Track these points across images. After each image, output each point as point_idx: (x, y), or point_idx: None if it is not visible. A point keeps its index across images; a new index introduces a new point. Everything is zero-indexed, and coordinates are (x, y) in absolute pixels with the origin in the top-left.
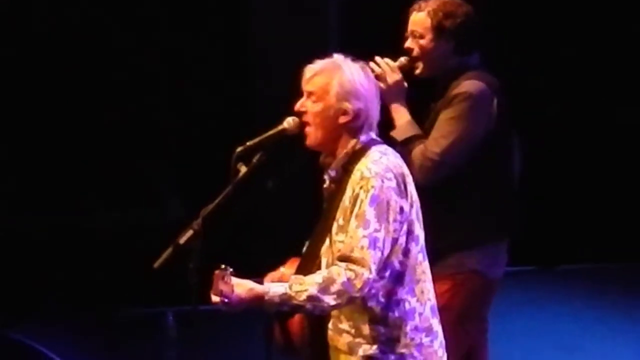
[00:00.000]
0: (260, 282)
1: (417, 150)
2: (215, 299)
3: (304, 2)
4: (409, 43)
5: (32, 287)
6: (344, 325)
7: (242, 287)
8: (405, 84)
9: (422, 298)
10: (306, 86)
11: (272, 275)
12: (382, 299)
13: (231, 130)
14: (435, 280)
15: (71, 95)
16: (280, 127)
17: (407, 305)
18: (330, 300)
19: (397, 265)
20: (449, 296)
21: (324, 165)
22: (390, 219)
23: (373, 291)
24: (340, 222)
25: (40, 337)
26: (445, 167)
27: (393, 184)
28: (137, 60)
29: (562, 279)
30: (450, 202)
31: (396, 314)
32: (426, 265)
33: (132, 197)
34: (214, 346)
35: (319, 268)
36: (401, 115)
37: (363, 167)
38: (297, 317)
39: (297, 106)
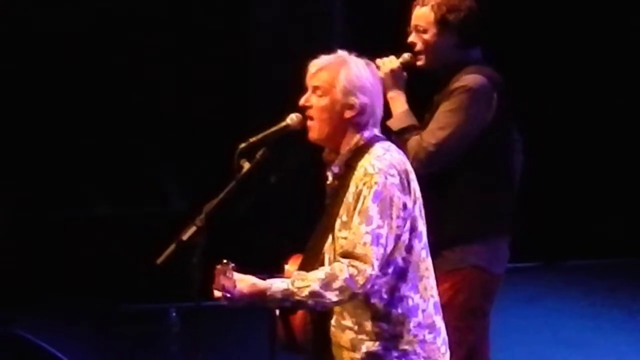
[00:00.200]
0: (263, 278)
1: (413, 141)
2: (217, 293)
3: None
4: (412, 37)
5: (33, 282)
6: (347, 322)
7: (245, 282)
8: (405, 74)
9: (425, 295)
10: (311, 81)
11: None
12: (385, 296)
13: (234, 125)
14: (437, 276)
15: (74, 91)
16: (283, 124)
17: (410, 302)
18: (332, 296)
19: (400, 261)
20: (452, 293)
21: (327, 162)
22: (394, 216)
23: (376, 287)
24: (344, 218)
25: (41, 333)
26: (439, 158)
27: (396, 180)
28: (139, 58)
29: (565, 275)
30: (451, 195)
31: (399, 310)
32: (429, 261)
33: (134, 193)
34: (217, 342)
35: (322, 264)
36: (398, 104)
37: (366, 163)
38: (299, 314)
39: (302, 101)
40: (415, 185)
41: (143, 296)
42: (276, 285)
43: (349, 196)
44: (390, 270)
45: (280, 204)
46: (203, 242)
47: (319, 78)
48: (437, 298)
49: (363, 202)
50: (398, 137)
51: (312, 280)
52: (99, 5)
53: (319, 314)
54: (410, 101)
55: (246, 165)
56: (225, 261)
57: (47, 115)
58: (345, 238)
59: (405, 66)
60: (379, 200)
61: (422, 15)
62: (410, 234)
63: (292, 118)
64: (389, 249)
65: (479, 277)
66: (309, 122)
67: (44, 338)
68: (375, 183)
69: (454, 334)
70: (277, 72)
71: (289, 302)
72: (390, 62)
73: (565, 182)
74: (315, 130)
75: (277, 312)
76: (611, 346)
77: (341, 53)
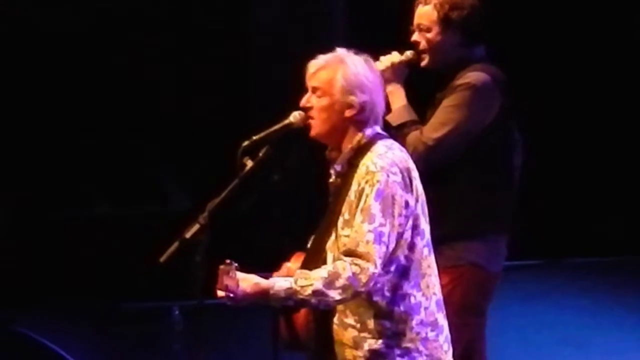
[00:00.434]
0: (266, 277)
1: (412, 135)
2: (220, 293)
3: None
4: (415, 37)
5: (35, 281)
6: (350, 320)
7: (248, 281)
8: (406, 69)
9: (428, 292)
10: (310, 81)
11: (277, 274)
12: (387, 294)
13: (234, 125)
14: None
15: (74, 91)
16: (286, 121)
17: (412, 300)
18: (335, 294)
19: (402, 259)
20: (449, 289)
21: (330, 160)
22: (396, 214)
23: (378, 285)
24: (346, 216)
25: (44, 331)
26: (438, 153)
27: (398, 178)
28: (139, 58)
29: (565, 273)
30: (451, 192)
31: (402, 308)
32: (432, 259)
33: (135, 193)
34: (220, 340)
35: (325, 263)
36: (397, 99)
37: (369, 161)
38: (302, 312)
39: (303, 102)
40: (417, 182)
41: (146, 295)
42: (279, 284)
43: (351, 194)
44: (392, 269)
45: (282, 202)
46: (206, 240)
47: (317, 78)
48: (439, 296)
49: (365, 201)
50: (397, 132)
51: (314, 279)
52: (99, 5)
53: (322, 312)
54: (412, 97)
55: (249, 163)
56: (228, 261)
57: (47, 115)
58: (347, 236)
59: (407, 63)
60: (381, 199)
61: (425, 13)
62: (413, 231)
63: (295, 116)
64: (391, 247)
65: (477, 275)
66: (311, 120)
67: (46, 337)
68: (378, 181)
69: (450, 331)
70: (277, 72)
71: (292, 301)
72: (391, 57)
73: (566, 181)
74: (316, 128)
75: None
76: (612, 344)
77: (339, 51)
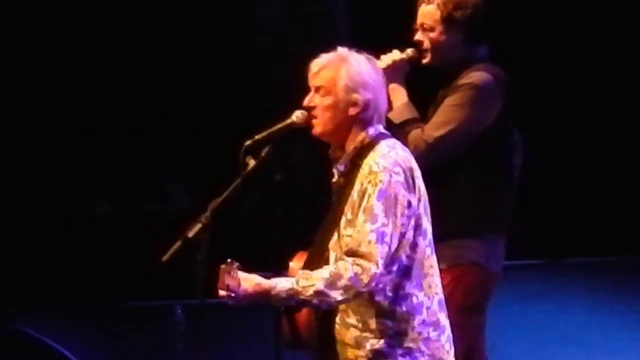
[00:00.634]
0: (268, 277)
1: (414, 133)
2: (222, 293)
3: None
4: (418, 36)
5: (38, 281)
6: (352, 320)
7: (249, 282)
8: (407, 67)
9: (430, 292)
10: (313, 81)
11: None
12: (389, 293)
13: (234, 125)
14: None
15: (74, 91)
16: (288, 121)
17: (414, 300)
18: (337, 295)
19: (404, 259)
20: (450, 289)
21: (333, 159)
22: (398, 214)
23: (380, 285)
24: (349, 216)
25: (46, 331)
26: (439, 151)
27: (401, 178)
28: (139, 58)
29: (567, 273)
30: (452, 191)
31: (404, 308)
32: (434, 259)
33: (138, 191)
34: (222, 339)
35: (327, 262)
36: (399, 96)
37: (371, 161)
38: (304, 311)
39: (306, 101)
40: (420, 182)
41: (148, 294)
42: (281, 284)
43: (354, 194)
44: (394, 268)
45: (285, 202)
46: (208, 240)
47: (320, 77)
48: (441, 295)
49: (368, 200)
50: (399, 130)
51: (316, 280)
52: (99, 5)
53: (324, 311)
54: (413, 95)
55: (251, 163)
56: (229, 260)
57: (47, 115)
58: (350, 236)
59: (408, 61)
60: (384, 199)
61: (428, 13)
62: (415, 231)
63: (298, 115)
64: (393, 247)
65: (477, 274)
66: (314, 120)
67: (48, 337)
68: (380, 181)
69: (453, 331)
70: (277, 72)
71: (293, 301)
72: (392, 55)
73: (566, 180)
74: (320, 127)
75: (282, 309)
76: (613, 343)
77: (341, 50)
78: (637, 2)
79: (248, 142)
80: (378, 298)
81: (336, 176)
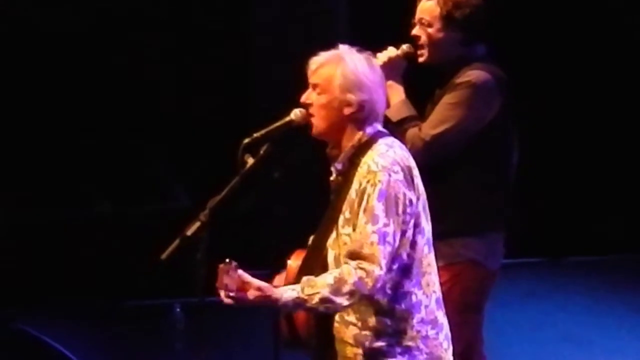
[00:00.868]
0: (267, 280)
1: (411, 131)
2: (222, 294)
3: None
4: (416, 30)
5: (38, 281)
6: (351, 318)
7: (257, 293)
8: (405, 63)
9: (428, 290)
10: (311, 78)
11: (279, 277)
12: (389, 292)
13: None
14: None
15: (74, 91)
16: (287, 119)
17: (413, 298)
18: (343, 300)
19: (404, 257)
20: (448, 287)
21: (331, 158)
22: (400, 212)
23: (381, 284)
24: (347, 214)
25: (46, 330)
26: (436, 149)
27: (400, 176)
28: (139, 58)
29: (566, 271)
30: (450, 189)
31: (403, 306)
32: (432, 257)
33: (138, 190)
34: (221, 338)
35: (325, 260)
36: (396, 94)
37: (370, 160)
38: None
39: (303, 98)
40: (418, 181)
41: (147, 293)
42: (287, 294)
43: (353, 193)
44: (394, 267)
45: (283, 200)
46: (207, 238)
47: (318, 75)
48: (439, 294)
49: (368, 201)
50: (396, 128)
51: (321, 287)
52: (99, 5)
53: None
54: (411, 93)
55: (250, 161)
56: (228, 260)
57: (47, 115)
58: (348, 235)
59: (404, 57)
60: (384, 199)
61: (428, 8)
62: (414, 230)
63: (296, 113)
64: (395, 246)
65: (475, 272)
66: (312, 119)
67: (48, 336)
68: (379, 181)
69: (451, 329)
70: (277, 72)
71: (300, 309)
72: (388, 52)
73: (566, 179)
74: (317, 127)
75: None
76: (613, 342)
77: (341, 49)
78: (637, 2)
79: (247, 140)
80: (377, 296)
81: (334, 175)
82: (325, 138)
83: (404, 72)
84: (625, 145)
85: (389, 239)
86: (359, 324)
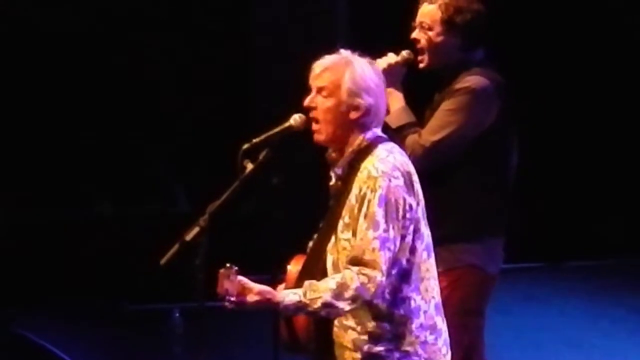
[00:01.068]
0: (268, 281)
1: (411, 138)
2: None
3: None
4: (415, 34)
5: (37, 282)
6: (350, 322)
7: (258, 296)
8: (404, 69)
9: (427, 296)
10: (315, 82)
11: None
12: (387, 297)
13: (235, 125)
14: None
15: (74, 91)
16: (286, 124)
17: (412, 303)
18: (345, 305)
19: (404, 263)
20: (448, 292)
21: (330, 162)
22: (400, 217)
23: (382, 290)
24: (346, 219)
25: (44, 332)
26: (435, 155)
27: (401, 182)
28: (139, 58)
29: (566, 275)
30: (450, 194)
31: (401, 311)
32: (431, 263)
33: (138, 193)
34: (220, 343)
35: (325, 265)
36: (395, 100)
37: (370, 165)
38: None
39: (307, 102)
40: (418, 186)
41: (146, 297)
42: (289, 298)
43: (352, 198)
44: (393, 272)
45: (283, 205)
46: (206, 243)
47: (323, 79)
48: (438, 299)
49: (368, 207)
50: (396, 134)
51: (323, 291)
52: (99, 5)
53: None
54: (410, 99)
55: (249, 166)
56: (228, 265)
57: (47, 115)
58: (347, 240)
59: (403, 63)
60: (385, 204)
61: (429, 12)
62: (413, 235)
63: (295, 119)
64: (395, 251)
65: (475, 277)
66: (314, 126)
67: (47, 339)
68: (380, 187)
69: (450, 333)
70: (277, 72)
71: (301, 313)
72: (387, 59)
73: (566, 184)
74: (321, 133)
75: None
76: (612, 346)
77: (345, 53)
78: (637, 2)
79: (246, 146)
80: (376, 301)
81: (334, 179)
82: (329, 142)
83: (403, 78)
84: (624, 150)
85: (389, 244)
86: (358, 328)
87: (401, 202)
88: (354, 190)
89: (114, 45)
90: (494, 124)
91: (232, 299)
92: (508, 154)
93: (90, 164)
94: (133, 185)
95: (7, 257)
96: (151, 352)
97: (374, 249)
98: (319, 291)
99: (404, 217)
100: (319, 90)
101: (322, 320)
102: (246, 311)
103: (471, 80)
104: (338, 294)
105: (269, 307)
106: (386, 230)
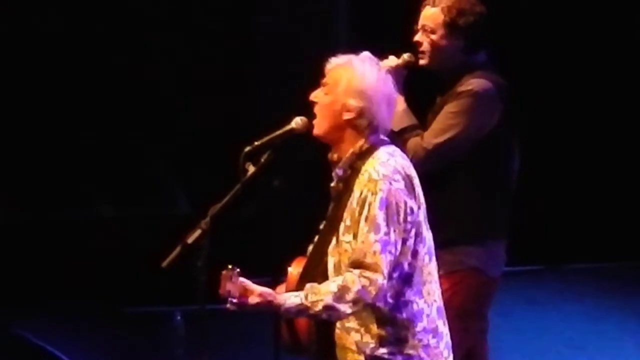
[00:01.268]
0: (270, 287)
1: (413, 140)
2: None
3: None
4: (418, 37)
5: (38, 284)
6: (353, 324)
7: (259, 299)
8: (405, 72)
9: (429, 299)
10: (325, 78)
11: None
12: (390, 300)
13: (235, 125)
14: None
15: (75, 91)
16: (288, 127)
17: (415, 307)
18: (346, 308)
19: (406, 266)
20: (449, 294)
21: (332, 164)
22: (401, 220)
23: (383, 293)
24: (347, 222)
25: (45, 334)
26: (437, 158)
27: (401, 185)
28: (140, 58)
29: (570, 278)
30: (451, 197)
31: (404, 315)
32: (432, 266)
33: (140, 195)
34: (222, 345)
35: (326, 267)
36: (397, 103)
37: (371, 168)
38: None
39: (312, 96)
40: (419, 190)
41: (148, 299)
42: (290, 300)
43: (354, 201)
44: (395, 275)
45: (284, 207)
46: (208, 246)
47: (329, 75)
48: (440, 303)
49: (369, 210)
50: (397, 137)
51: (324, 294)
52: (99, 5)
53: None
54: (411, 101)
55: (251, 169)
56: (230, 266)
57: (48, 116)
58: (349, 242)
59: (404, 66)
60: (385, 207)
61: (432, 15)
62: (415, 239)
63: (297, 122)
64: (397, 254)
65: (476, 280)
66: (315, 120)
67: (47, 340)
68: (380, 190)
69: (452, 337)
70: (278, 72)
71: (303, 316)
72: (388, 62)
73: (567, 186)
74: (317, 126)
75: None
76: (613, 349)
77: (360, 55)
78: (636, 2)
79: (248, 148)
80: (379, 304)
81: (335, 181)
82: (325, 139)
83: (404, 81)
84: (626, 153)
85: (390, 247)
86: (362, 330)
87: (402, 205)
88: (355, 193)
89: (114, 45)
90: (496, 127)
91: (234, 300)
92: (509, 157)
93: (91, 164)
94: (133, 186)
95: (6, 257)
96: (152, 354)
97: (375, 252)
98: (320, 294)
99: (405, 220)
100: (323, 85)
101: (324, 322)
102: (247, 313)
103: (474, 83)
104: (339, 296)
105: (270, 310)
106: (387, 234)
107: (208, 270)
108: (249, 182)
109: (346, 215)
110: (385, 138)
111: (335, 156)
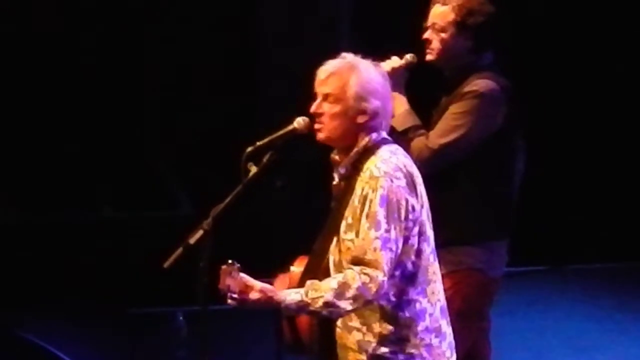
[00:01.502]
0: (270, 283)
1: (417, 140)
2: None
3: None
4: (427, 34)
5: (40, 285)
6: (355, 323)
7: (260, 294)
8: (407, 72)
9: (433, 299)
10: (321, 88)
11: (281, 277)
12: (393, 298)
13: (235, 125)
14: None
15: (75, 91)
16: (290, 127)
17: (418, 306)
18: (346, 305)
19: (409, 265)
20: (450, 294)
21: (334, 163)
22: (402, 218)
23: (384, 290)
24: (349, 220)
25: (46, 336)
26: (442, 158)
27: (403, 182)
28: (140, 57)
29: (572, 279)
30: (453, 197)
31: (407, 314)
32: (437, 266)
33: (142, 196)
34: (223, 345)
35: (328, 265)
36: (399, 103)
37: (372, 165)
38: (305, 315)
39: (313, 108)
40: (421, 188)
41: (150, 300)
42: (290, 297)
43: (355, 199)
44: (397, 273)
45: (286, 206)
46: (210, 246)
47: (329, 85)
48: (443, 302)
49: (370, 207)
50: (401, 137)
51: (325, 291)
52: (99, 5)
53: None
54: (414, 101)
55: (253, 169)
56: (230, 261)
57: (49, 116)
58: (351, 240)
59: (407, 67)
60: (386, 204)
61: (442, 14)
62: (419, 237)
63: (299, 122)
64: (398, 251)
65: (477, 280)
66: (316, 125)
67: (49, 341)
68: (381, 187)
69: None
70: (278, 72)
71: (303, 313)
72: (391, 62)
73: (569, 187)
74: (328, 134)
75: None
76: (615, 349)
77: (348, 57)
78: (636, 2)
79: (250, 149)
80: (382, 303)
81: (337, 179)
82: (334, 145)
83: (406, 81)
84: (628, 154)
85: (391, 244)
86: (364, 328)
87: (403, 202)
88: (357, 191)
89: (114, 44)
90: (500, 129)
91: (234, 296)
92: (513, 158)
93: (92, 165)
94: (135, 187)
95: (8, 258)
96: (154, 355)
97: (375, 249)
98: (321, 290)
99: (406, 218)
100: (325, 96)
101: (325, 321)
102: (247, 309)
103: (480, 84)
104: (339, 293)
105: (271, 306)
106: (387, 231)
107: (210, 271)
108: (251, 183)
109: (348, 213)
110: (388, 137)
111: (337, 157)
